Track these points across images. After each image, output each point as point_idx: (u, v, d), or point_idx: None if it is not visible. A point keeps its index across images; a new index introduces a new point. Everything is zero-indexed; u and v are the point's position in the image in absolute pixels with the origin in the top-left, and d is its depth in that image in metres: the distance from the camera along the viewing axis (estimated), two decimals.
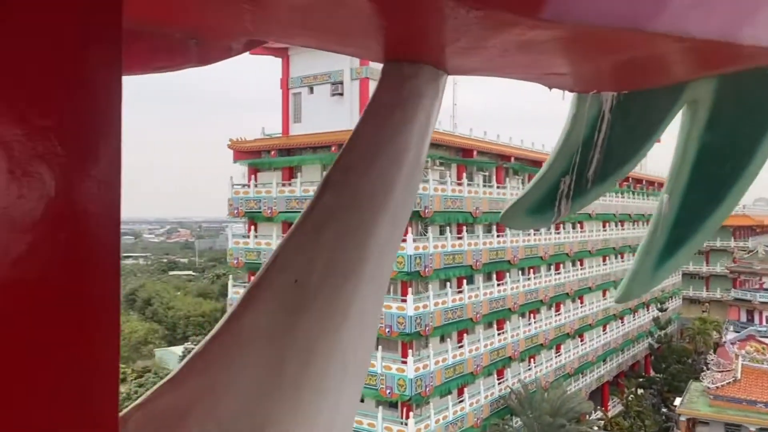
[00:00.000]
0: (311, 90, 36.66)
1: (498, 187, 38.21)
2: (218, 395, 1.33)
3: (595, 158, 2.10)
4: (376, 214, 1.59)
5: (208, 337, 1.41)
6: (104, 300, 0.89)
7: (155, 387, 1.33)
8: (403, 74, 1.67)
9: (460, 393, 34.10)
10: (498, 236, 37.76)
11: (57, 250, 0.85)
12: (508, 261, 38.58)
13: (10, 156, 0.79)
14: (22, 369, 0.84)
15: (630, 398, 47.45)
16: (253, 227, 36.60)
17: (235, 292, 36.31)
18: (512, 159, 40.36)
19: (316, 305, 1.47)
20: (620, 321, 53.28)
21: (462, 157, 36.55)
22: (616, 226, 53.51)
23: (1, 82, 0.80)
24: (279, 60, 37.46)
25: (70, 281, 0.86)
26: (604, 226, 51.51)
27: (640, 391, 49.40)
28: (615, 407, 48.78)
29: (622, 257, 54.25)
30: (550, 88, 1.98)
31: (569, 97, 2.08)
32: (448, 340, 34.03)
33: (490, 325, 37.47)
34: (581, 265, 47.95)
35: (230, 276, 40.81)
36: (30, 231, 0.82)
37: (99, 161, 0.87)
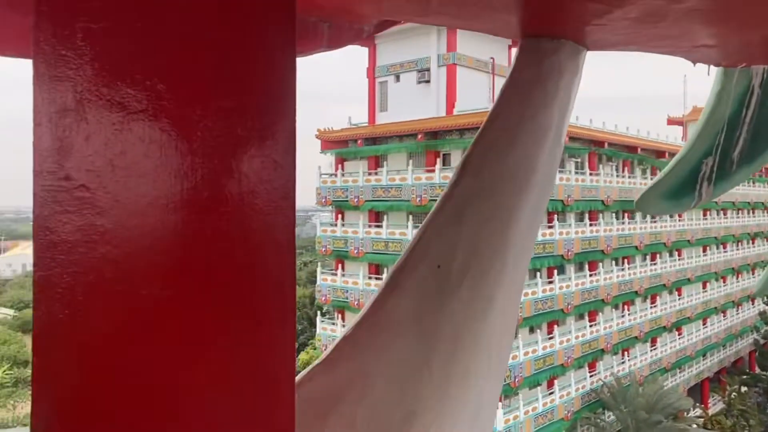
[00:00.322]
0: (397, 78, 36.68)
1: (591, 174, 36.91)
2: (369, 380, 1.32)
3: (742, 138, 1.94)
4: (518, 196, 1.53)
5: (354, 322, 1.40)
6: (281, 280, 0.89)
7: (307, 369, 1.34)
8: (543, 50, 1.59)
9: (550, 385, 33.41)
10: (591, 225, 36.55)
11: (238, 229, 0.85)
12: (602, 251, 37.27)
13: (194, 137, 0.80)
14: (208, 347, 0.85)
15: (733, 396, 44.88)
16: (340, 216, 37.18)
17: (323, 279, 37.08)
18: (605, 145, 38.85)
19: (460, 292, 1.43)
20: (722, 315, 50.39)
21: None
22: (717, 214, 50.49)
23: (185, 65, 0.80)
24: (365, 49, 37.71)
25: (250, 260, 0.86)
26: (704, 215, 48.73)
27: (743, 388, 46.62)
28: (716, 405, 46.32)
29: (724, 248, 51.18)
30: (695, 63, 1.84)
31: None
32: (538, 331, 33.37)
33: (581, 317, 36.42)
34: (679, 255, 45.64)
35: (318, 263, 41.69)
36: (214, 211, 0.83)
37: (276, 143, 0.87)
